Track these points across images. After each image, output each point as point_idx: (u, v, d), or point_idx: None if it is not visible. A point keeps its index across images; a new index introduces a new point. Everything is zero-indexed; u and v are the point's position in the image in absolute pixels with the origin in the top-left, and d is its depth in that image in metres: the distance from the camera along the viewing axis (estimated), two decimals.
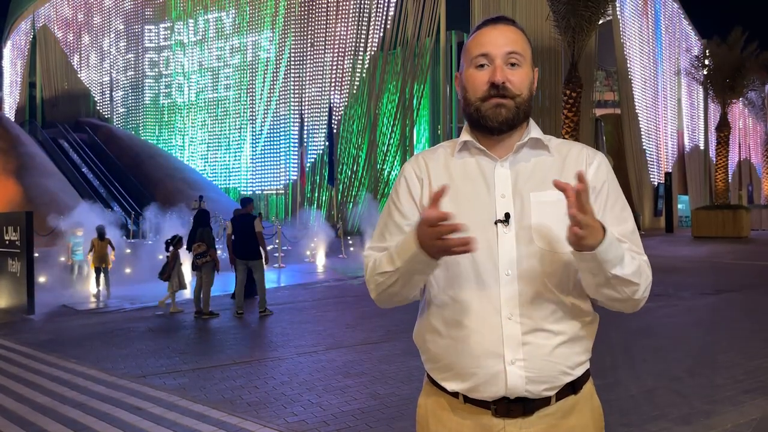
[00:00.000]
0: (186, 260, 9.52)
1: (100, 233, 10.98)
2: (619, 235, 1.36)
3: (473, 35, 1.43)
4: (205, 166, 37.95)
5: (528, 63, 1.40)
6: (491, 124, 1.38)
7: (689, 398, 4.44)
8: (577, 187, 1.16)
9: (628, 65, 32.93)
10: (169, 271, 8.97)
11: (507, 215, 1.34)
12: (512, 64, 1.38)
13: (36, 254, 9.66)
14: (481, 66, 1.39)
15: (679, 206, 36.49)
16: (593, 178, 1.39)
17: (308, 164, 32.59)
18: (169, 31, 40.05)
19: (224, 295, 10.10)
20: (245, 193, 35.70)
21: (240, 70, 37.12)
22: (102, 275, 10.88)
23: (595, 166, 1.41)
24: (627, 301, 1.32)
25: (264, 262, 8.85)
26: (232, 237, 8.87)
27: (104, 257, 10.84)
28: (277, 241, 16.86)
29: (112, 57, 42.98)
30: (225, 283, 10.61)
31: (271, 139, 35.84)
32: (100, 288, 10.85)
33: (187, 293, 9.82)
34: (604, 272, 1.24)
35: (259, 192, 35.41)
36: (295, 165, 33.10)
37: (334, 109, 32.63)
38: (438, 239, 1.20)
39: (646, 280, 1.32)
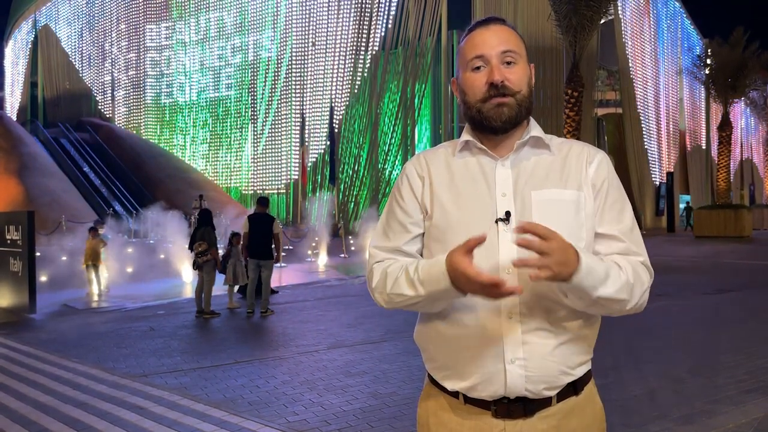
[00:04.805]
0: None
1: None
2: (619, 233, 1.36)
3: (465, 39, 1.43)
4: (206, 165, 37.98)
5: (523, 60, 1.40)
6: (495, 124, 1.37)
7: (691, 398, 4.44)
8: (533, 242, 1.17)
9: (630, 65, 32.92)
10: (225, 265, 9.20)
11: (507, 214, 1.33)
12: (508, 63, 1.38)
13: (38, 254, 9.67)
14: (478, 68, 1.38)
15: (681, 206, 36.47)
16: (594, 176, 1.39)
17: (309, 164, 32.59)
18: (170, 31, 40.06)
19: (225, 295, 10.10)
20: (246, 192, 35.73)
21: (241, 69, 37.13)
22: (95, 273, 10.89)
23: (595, 164, 1.40)
24: (621, 313, 1.33)
25: (275, 262, 9.02)
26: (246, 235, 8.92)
27: (98, 255, 10.85)
28: None
29: (113, 56, 43.00)
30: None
31: (273, 138, 35.86)
32: (101, 287, 10.87)
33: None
34: (589, 295, 1.24)
35: (260, 191, 35.43)
36: (297, 164, 33.11)
37: (336, 108, 32.64)
38: (482, 291, 1.21)
39: (641, 288, 1.32)
